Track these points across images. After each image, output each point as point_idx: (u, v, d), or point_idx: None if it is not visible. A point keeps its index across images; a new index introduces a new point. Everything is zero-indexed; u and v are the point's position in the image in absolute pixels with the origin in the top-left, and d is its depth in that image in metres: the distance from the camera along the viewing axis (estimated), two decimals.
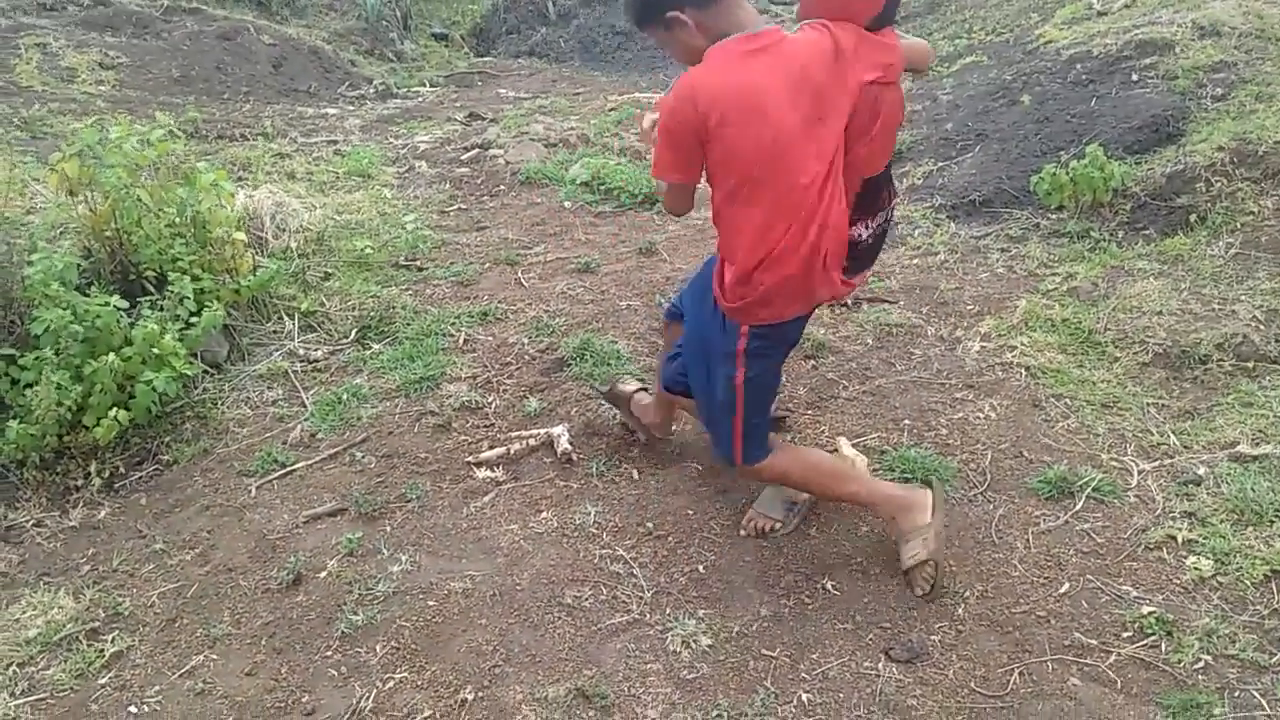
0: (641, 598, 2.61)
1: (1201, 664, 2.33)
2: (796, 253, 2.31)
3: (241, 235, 3.96)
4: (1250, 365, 3.40)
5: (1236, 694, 2.24)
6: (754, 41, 2.24)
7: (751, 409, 2.52)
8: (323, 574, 2.75)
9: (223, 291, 3.84)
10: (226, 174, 4.15)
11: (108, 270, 3.80)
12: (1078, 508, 2.87)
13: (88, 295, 3.40)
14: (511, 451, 3.22)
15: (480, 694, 2.34)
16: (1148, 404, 3.32)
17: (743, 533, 2.82)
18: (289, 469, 3.23)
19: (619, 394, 3.19)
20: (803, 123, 2.24)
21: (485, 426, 3.40)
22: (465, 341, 3.96)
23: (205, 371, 3.72)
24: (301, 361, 3.85)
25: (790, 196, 2.28)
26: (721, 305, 2.44)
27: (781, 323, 2.43)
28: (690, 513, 2.92)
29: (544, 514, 2.95)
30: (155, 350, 3.33)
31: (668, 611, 2.56)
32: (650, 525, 2.87)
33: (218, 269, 3.89)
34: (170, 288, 3.55)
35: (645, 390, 3.20)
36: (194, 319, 3.57)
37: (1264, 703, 2.21)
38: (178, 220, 3.88)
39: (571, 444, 3.22)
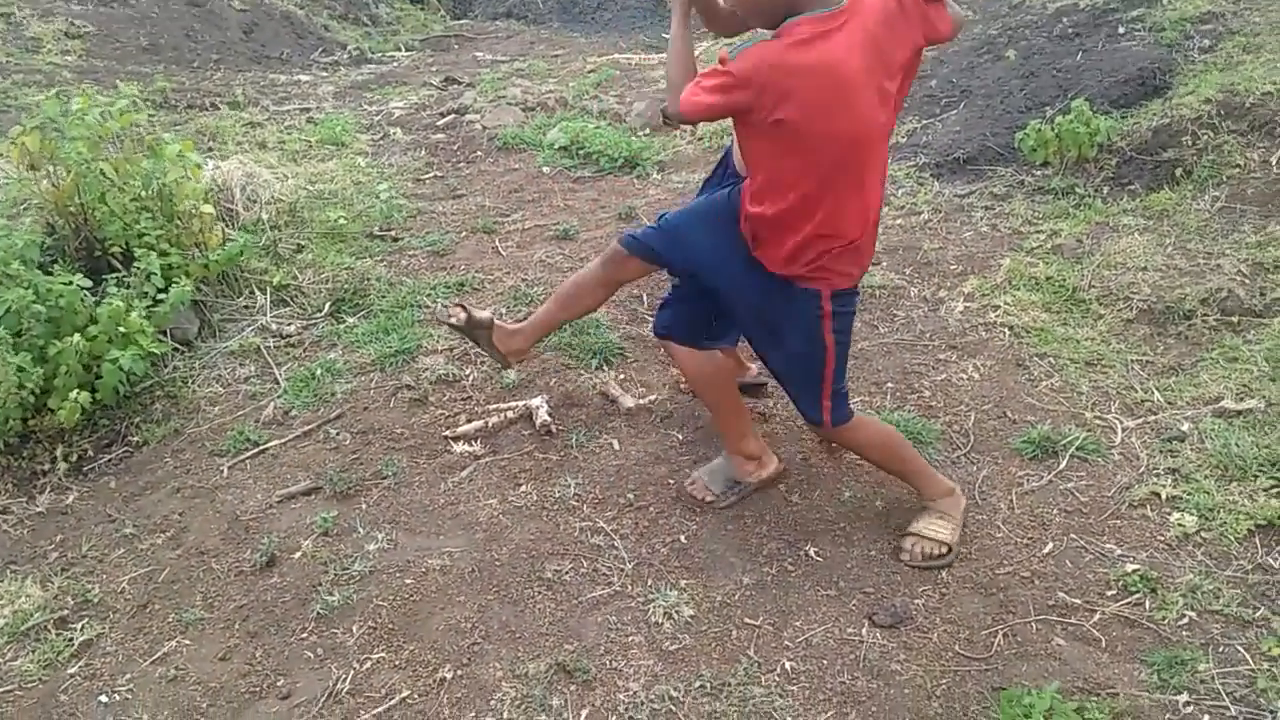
0: (623, 570, 2.58)
1: (1186, 620, 2.32)
2: (864, 230, 2.32)
3: (209, 208, 3.86)
4: (1235, 320, 3.37)
5: (1221, 649, 2.23)
6: (833, 20, 2.10)
7: (839, 370, 2.47)
8: (297, 554, 2.70)
9: (191, 266, 3.75)
10: (195, 145, 4.05)
11: (72, 247, 3.70)
12: (1061, 467, 2.84)
13: (51, 274, 3.32)
14: (489, 424, 3.17)
15: (459, 672, 2.31)
16: (1132, 361, 3.29)
17: (685, 486, 2.83)
18: (262, 448, 3.17)
19: (480, 321, 2.87)
20: (878, 99, 2.17)
21: (463, 399, 3.35)
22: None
23: (175, 349, 3.64)
24: (274, 337, 3.77)
25: (866, 179, 2.26)
26: (782, 272, 2.37)
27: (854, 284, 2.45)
28: (671, 482, 2.88)
29: (523, 487, 2.91)
30: (121, 329, 3.25)
31: (649, 583, 2.53)
32: (631, 496, 2.83)
33: (186, 243, 3.80)
34: (137, 264, 3.47)
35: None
36: (162, 295, 3.49)
37: (1248, 657, 2.19)
38: (143, 194, 3.78)
39: (551, 415, 3.17)
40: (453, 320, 2.89)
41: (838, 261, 2.34)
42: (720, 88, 2.13)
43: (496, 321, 2.90)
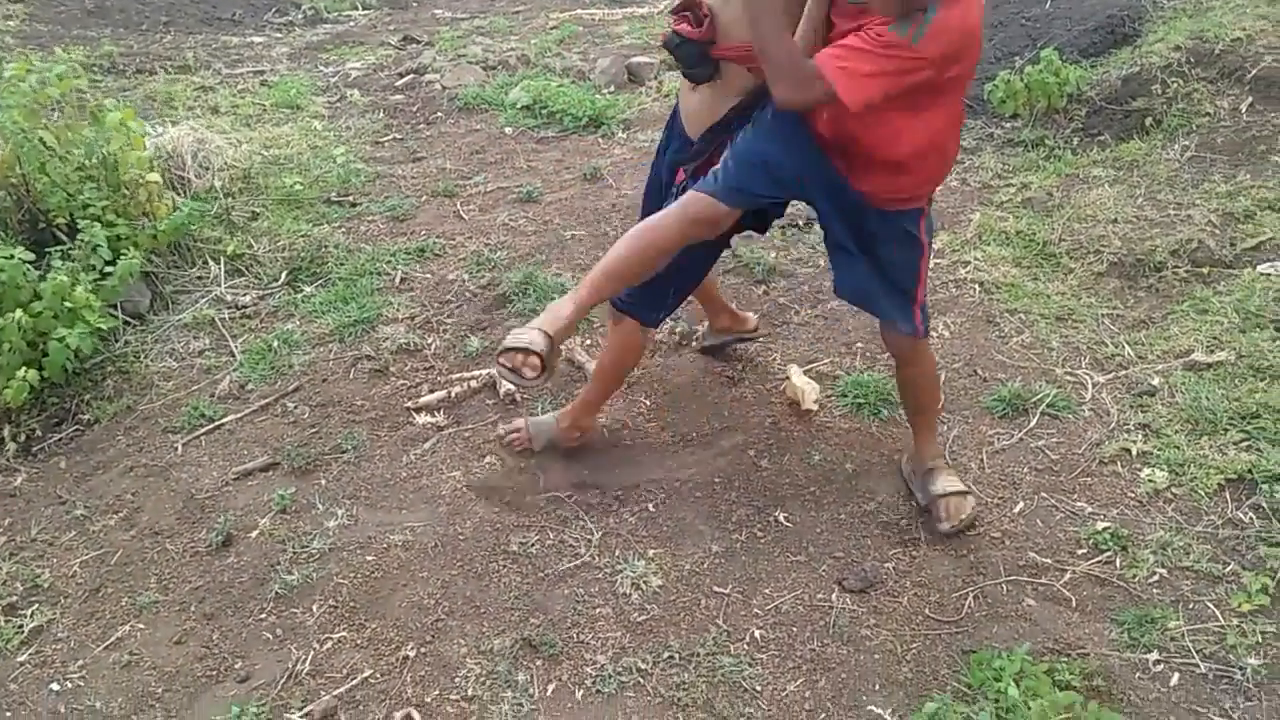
0: (590, 540, 2.52)
1: (1156, 577, 2.30)
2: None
3: (156, 176, 3.73)
4: (1205, 270, 3.34)
5: (1191, 605, 2.22)
6: None
7: (926, 271, 2.41)
8: (254, 533, 2.63)
9: (140, 237, 3.63)
10: (146, 111, 3.92)
11: (14, 219, 3.58)
12: (1032, 425, 2.81)
13: None
14: (452, 394, 3.09)
15: (423, 650, 2.26)
16: (1102, 315, 3.25)
17: (502, 432, 2.85)
18: (217, 423, 3.08)
19: (550, 357, 2.32)
20: None
21: (425, 369, 3.27)
22: (402, 280, 3.79)
23: (126, 323, 3.53)
24: (229, 308, 3.66)
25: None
26: (905, 203, 2.28)
27: None
28: (642, 449, 2.82)
29: (487, 459, 2.84)
30: (67, 304, 3.14)
31: (617, 553, 2.48)
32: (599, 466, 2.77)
33: (133, 213, 3.68)
34: (81, 236, 3.34)
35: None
36: (110, 268, 3.37)
37: (1218, 613, 2.18)
38: (87, 163, 3.65)
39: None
40: (530, 377, 2.31)
41: (940, 176, 2.32)
42: (899, 72, 1.98)
43: (552, 334, 2.33)
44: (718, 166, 2.32)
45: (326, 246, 4.00)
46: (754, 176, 2.26)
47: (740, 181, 2.26)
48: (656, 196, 2.66)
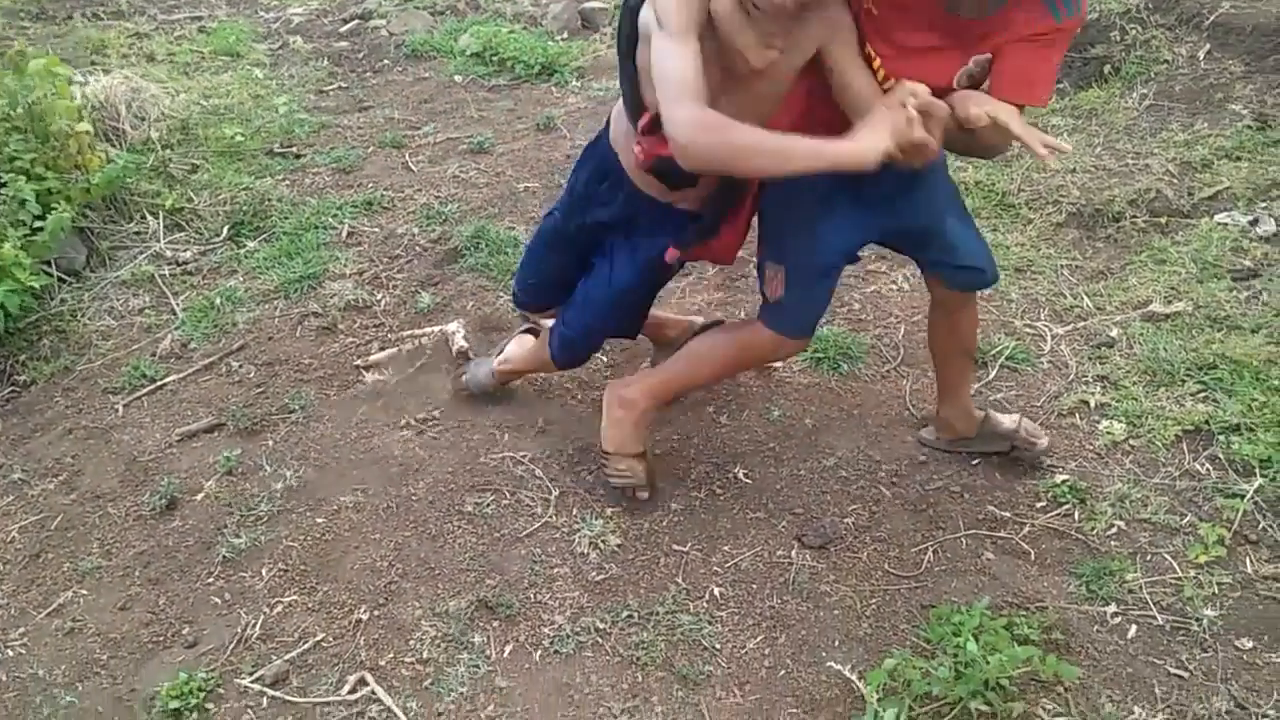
0: (546, 500, 2.48)
1: (1114, 530, 2.31)
2: None
3: (87, 126, 3.56)
4: (1163, 220, 3.34)
5: (1148, 558, 2.23)
6: None
7: None
8: (200, 496, 2.55)
9: (72, 191, 3.47)
10: (76, 59, 3.73)
11: None
12: (990, 377, 2.80)
13: None
14: (403, 352, 3.01)
15: (376, 612, 2.21)
16: (1061, 266, 3.25)
17: (451, 385, 2.85)
18: (159, 384, 2.97)
19: (648, 477, 2.43)
20: None
21: (374, 326, 3.17)
22: (349, 234, 3.68)
23: (61, 280, 3.39)
24: (169, 264, 3.53)
25: None
26: None
27: None
28: (596, 408, 2.77)
29: (436, 417, 2.77)
30: None
31: (575, 512, 2.44)
32: (556, 423, 2.71)
33: (64, 166, 3.51)
34: (4, 189, 3.18)
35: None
36: (40, 223, 3.22)
37: (1175, 565, 2.19)
38: (11, 114, 3.47)
39: (468, 340, 3.01)
40: (645, 498, 2.45)
41: None
42: (1067, 45, 1.98)
43: (645, 450, 2.43)
44: (775, 295, 2.22)
45: (270, 200, 3.86)
46: (819, 288, 2.25)
47: (812, 303, 2.26)
48: (565, 250, 2.36)
